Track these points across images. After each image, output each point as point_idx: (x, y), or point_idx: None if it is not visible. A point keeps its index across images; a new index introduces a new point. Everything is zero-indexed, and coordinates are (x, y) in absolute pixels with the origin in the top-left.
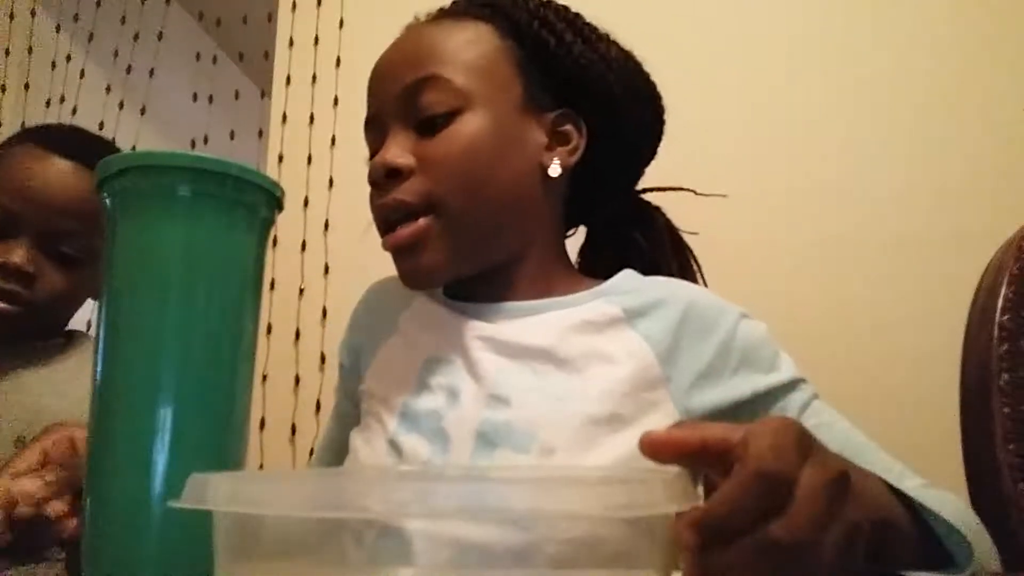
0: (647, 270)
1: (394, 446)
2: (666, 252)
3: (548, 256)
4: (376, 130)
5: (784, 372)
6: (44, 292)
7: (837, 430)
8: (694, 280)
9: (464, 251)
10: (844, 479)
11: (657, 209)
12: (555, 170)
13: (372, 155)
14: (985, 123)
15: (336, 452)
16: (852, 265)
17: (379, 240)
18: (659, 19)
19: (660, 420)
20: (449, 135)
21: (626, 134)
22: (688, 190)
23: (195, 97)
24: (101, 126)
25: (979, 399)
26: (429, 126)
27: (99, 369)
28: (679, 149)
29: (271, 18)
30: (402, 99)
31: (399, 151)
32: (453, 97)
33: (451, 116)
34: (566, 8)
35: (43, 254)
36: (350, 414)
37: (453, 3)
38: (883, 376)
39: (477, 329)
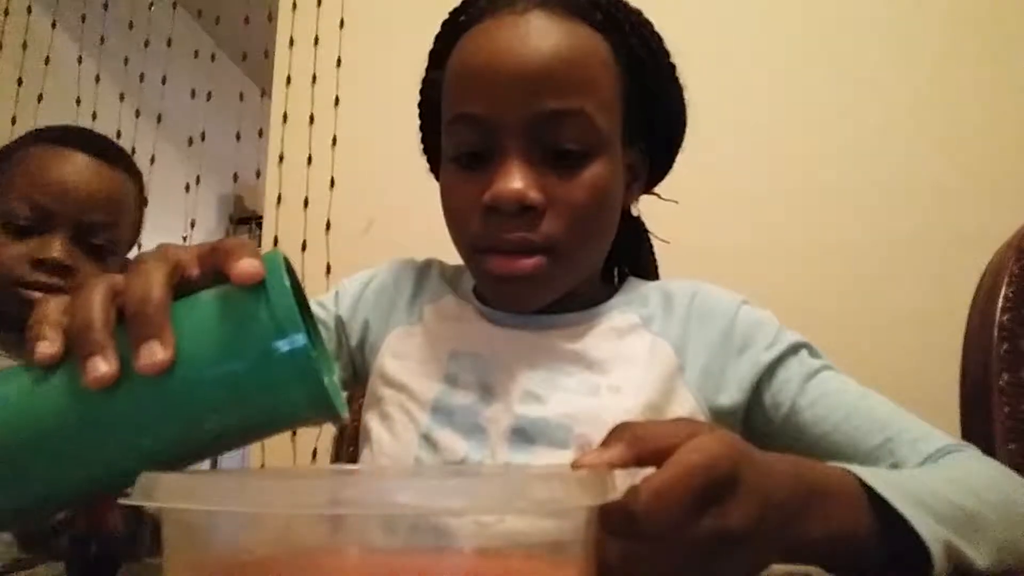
0: (635, 271)
1: (428, 440)
2: (650, 255)
3: (595, 275)
4: (479, 133)
5: (783, 343)
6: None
7: (841, 400)
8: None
9: (564, 287)
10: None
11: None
12: (635, 210)
13: (453, 152)
14: (985, 123)
15: None
16: (852, 265)
17: (379, 239)
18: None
19: (684, 406)
20: (584, 182)
21: (669, 161)
22: (654, 194)
23: (193, 94)
24: (119, 135)
25: (979, 399)
26: (561, 160)
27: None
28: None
29: (271, 18)
30: (537, 123)
31: (532, 185)
32: (593, 138)
33: (585, 157)
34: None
35: (77, 247)
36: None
37: None
38: (883, 376)
39: (508, 333)
